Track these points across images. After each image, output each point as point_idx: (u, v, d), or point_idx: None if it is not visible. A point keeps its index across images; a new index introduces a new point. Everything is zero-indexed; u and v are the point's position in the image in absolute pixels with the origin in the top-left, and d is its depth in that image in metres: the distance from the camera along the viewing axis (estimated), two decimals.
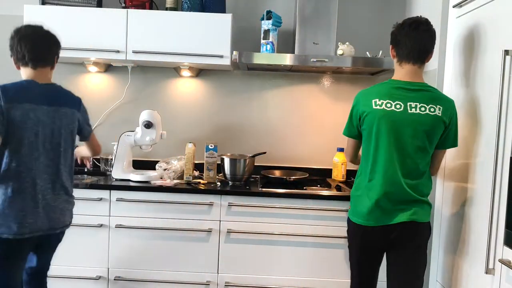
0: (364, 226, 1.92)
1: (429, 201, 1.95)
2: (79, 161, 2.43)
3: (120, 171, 2.71)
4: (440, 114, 1.83)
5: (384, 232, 1.89)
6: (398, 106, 1.84)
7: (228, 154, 2.86)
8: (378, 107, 1.85)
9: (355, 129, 2.00)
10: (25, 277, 2.09)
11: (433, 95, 1.86)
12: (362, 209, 1.92)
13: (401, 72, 1.91)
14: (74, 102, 2.06)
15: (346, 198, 2.46)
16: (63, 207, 1.99)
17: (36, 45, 1.93)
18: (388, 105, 1.84)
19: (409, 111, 1.83)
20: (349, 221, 2.02)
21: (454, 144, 1.95)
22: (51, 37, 2.00)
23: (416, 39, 1.83)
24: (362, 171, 1.98)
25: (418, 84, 1.87)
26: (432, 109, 1.83)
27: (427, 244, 1.97)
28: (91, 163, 2.51)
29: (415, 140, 1.84)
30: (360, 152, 2.06)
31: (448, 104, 1.87)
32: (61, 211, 1.98)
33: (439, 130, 1.85)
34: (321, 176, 2.98)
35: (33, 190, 1.87)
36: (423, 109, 1.83)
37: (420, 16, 1.91)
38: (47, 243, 2.05)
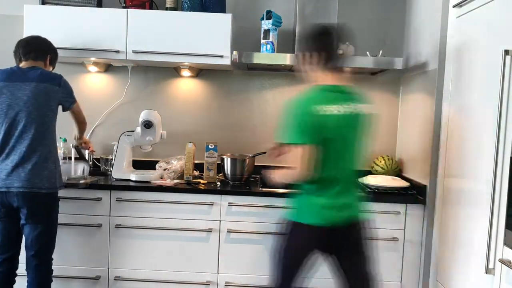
0: (314, 226, 1.90)
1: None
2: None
3: (120, 171, 2.71)
4: (368, 109, 1.95)
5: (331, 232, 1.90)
6: (340, 109, 1.85)
7: (228, 154, 2.85)
8: (322, 112, 1.83)
9: (304, 136, 1.89)
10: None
11: (359, 94, 1.96)
12: (310, 209, 1.92)
13: (327, 77, 1.91)
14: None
15: None
16: None
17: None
18: (331, 109, 1.85)
19: (345, 112, 1.86)
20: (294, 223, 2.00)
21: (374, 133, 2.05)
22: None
23: (330, 45, 1.91)
24: (310, 177, 1.95)
25: (343, 86, 1.92)
26: (362, 106, 1.92)
27: (365, 239, 1.97)
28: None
29: (356, 137, 1.92)
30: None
31: (371, 104, 1.99)
32: None
33: (369, 122, 1.97)
34: None
35: None
36: (355, 107, 1.89)
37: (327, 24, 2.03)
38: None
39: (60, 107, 2.32)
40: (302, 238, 1.94)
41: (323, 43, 1.91)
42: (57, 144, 2.90)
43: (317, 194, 1.91)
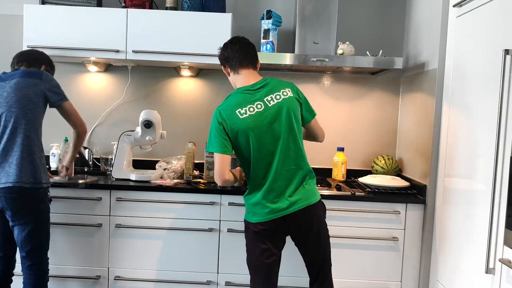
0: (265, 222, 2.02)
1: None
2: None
3: (120, 170, 2.70)
4: (292, 94, 2.03)
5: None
6: (259, 106, 1.98)
7: None
8: (244, 115, 1.96)
9: (226, 145, 1.98)
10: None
11: (277, 83, 2.05)
12: (251, 208, 2.05)
13: (241, 79, 2.06)
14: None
15: (346, 198, 2.46)
16: None
17: None
18: (251, 109, 1.97)
19: (270, 105, 1.98)
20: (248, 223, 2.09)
21: (313, 114, 2.14)
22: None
23: (240, 50, 2.08)
24: (253, 180, 2.03)
25: (260, 81, 2.04)
26: (284, 93, 2.02)
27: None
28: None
29: (288, 125, 1.98)
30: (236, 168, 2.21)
31: (291, 85, 2.08)
32: None
33: (297, 107, 2.04)
34: (321, 175, 2.98)
35: None
36: (278, 97, 2.00)
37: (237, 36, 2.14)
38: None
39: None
40: (251, 236, 2.07)
41: (230, 52, 2.08)
42: (59, 144, 2.93)
43: (253, 193, 2.02)
